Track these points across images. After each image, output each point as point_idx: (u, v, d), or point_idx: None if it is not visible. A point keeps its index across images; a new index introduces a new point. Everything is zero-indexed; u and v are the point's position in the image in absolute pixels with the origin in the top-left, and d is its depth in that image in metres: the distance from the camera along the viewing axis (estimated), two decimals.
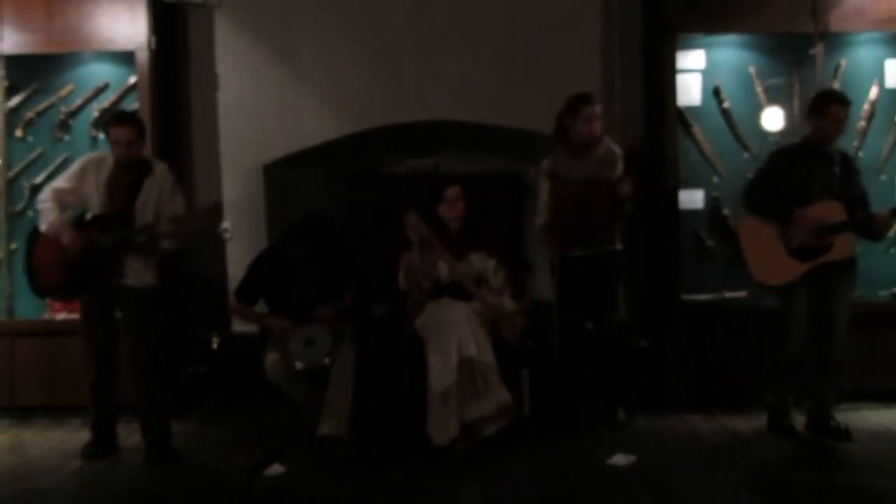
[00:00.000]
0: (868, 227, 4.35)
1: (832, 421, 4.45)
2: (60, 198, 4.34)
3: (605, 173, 4.64)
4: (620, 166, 4.69)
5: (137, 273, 4.33)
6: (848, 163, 4.45)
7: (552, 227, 4.61)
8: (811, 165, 4.37)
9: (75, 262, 4.25)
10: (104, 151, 4.50)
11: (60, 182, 4.40)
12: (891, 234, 5.24)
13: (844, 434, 4.38)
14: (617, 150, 4.72)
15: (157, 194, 4.34)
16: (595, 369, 4.71)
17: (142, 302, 4.34)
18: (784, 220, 4.34)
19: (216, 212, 4.39)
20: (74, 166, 4.44)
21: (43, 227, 4.32)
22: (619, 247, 4.70)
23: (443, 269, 4.57)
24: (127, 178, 4.32)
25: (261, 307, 4.67)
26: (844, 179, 4.39)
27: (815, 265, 4.31)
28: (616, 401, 4.75)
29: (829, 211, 4.30)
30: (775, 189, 4.39)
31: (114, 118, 4.42)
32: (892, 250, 5.30)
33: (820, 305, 4.39)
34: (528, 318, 4.81)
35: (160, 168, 4.44)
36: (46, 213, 4.32)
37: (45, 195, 4.37)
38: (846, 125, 4.47)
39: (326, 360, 4.32)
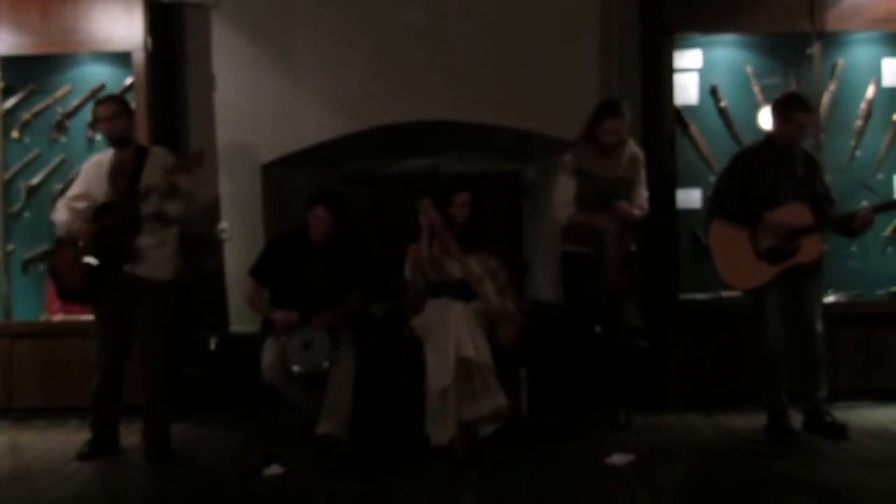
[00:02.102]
0: (848, 225, 4.35)
1: (828, 417, 4.47)
2: (72, 205, 4.42)
3: (629, 175, 4.67)
4: (643, 171, 4.73)
5: (155, 264, 4.34)
6: (811, 161, 4.47)
7: (578, 222, 4.63)
8: (776, 167, 4.40)
9: (90, 255, 4.28)
10: (102, 152, 4.55)
11: (70, 192, 4.52)
12: (886, 233, 5.27)
13: (841, 432, 4.40)
14: (640, 152, 4.75)
15: (158, 172, 4.34)
16: (600, 371, 4.72)
17: (157, 297, 4.35)
18: (752, 223, 4.36)
19: (198, 155, 4.42)
20: (79, 175, 4.56)
21: (58, 232, 4.45)
22: (633, 248, 4.71)
23: (453, 267, 4.58)
24: (127, 163, 4.38)
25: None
26: (808, 179, 4.41)
27: (786, 267, 4.33)
28: (616, 401, 4.75)
29: (795, 213, 4.32)
30: (741, 192, 4.41)
31: (98, 100, 4.56)
32: (889, 249, 5.32)
33: (793, 307, 4.42)
34: (528, 318, 4.83)
35: (157, 150, 4.52)
36: (60, 217, 4.43)
37: (58, 206, 4.51)
38: (809, 130, 4.50)
39: (324, 365, 4.32)
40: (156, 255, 4.35)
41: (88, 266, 4.29)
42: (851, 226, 4.35)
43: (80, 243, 4.28)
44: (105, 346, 4.41)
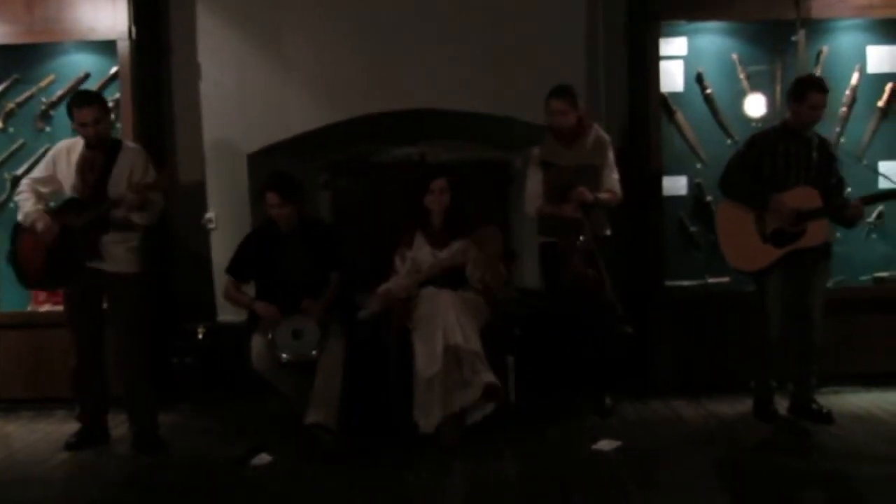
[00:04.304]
0: (842, 214, 4.39)
1: (814, 404, 4.50)
2: (36, 188, 4.37)
3: (595, 160, 4.69)
4: (610, 154, 4.74)
5: (118, 259, 4.32)
6: (826, 148, 4.49)
7: (545, 214, 4.65)
8: (789, 150, 4.41)
9: (54, 249, 4.25)
10: (74, 138, 4.50)
11: (34, 173, 4.46)
12: (871, 219, 5.31)
13: (826, 417, 4.44)
14: (605, 136, 4.78)
15: (128, 172, 4.32)
16: (583, 356, 4.74)
17: (123, 289, 4.33)
18: (760, 206, 4.37)
19: (167, 177, 4.45)
20: (47, 156, 4.49)
21: (20, 218, 4.37)
22: (608, 233, 4.74)
23: (426, 259, 4.57)
24: (98, 158, 4.32)
25: (249, 291, 4.66)
26: (821, 165, 4.42)
27: (790, 251, 4.35)
28: (602, 387, 4.77)
29: (805, 197, 4.34)
30: (753, 173, 4.42)
31: (77, 100, 4.34)
32: (873, 236, 5.35)
33: (796, 291, 4.43)
34: (515, 306, 4.84)
35: (131, 147, 4.47)
36: (23, 203, 4.36)
37: (22, 187, 4.43)
38: (825, 112, 4.50)
39: (313, 353, 4.32)
40: (118, 250, 4.32)
41: (50, 253, 4.25)
42: (844, 214, 4.36)
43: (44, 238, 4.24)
44: (77, 334, 4.40)
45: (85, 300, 4.37)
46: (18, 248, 4.36)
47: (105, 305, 4.42)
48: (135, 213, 4.30)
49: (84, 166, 4.32)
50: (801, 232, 4.34)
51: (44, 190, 4.38)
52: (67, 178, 4.34)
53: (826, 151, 4.46)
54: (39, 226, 4.24)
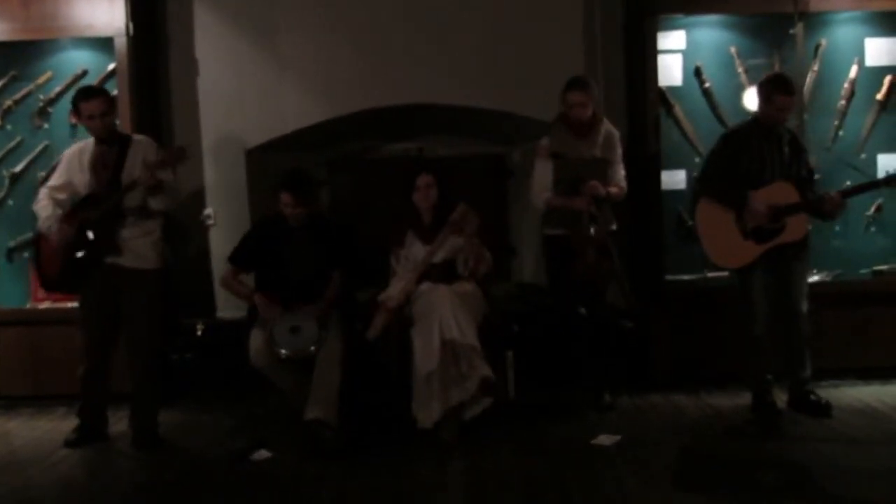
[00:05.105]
0: (820, 208, 4.39)
1: (813, 397, 4.51)
2: (54, 196, 4.40)
3: (605, 154, 4.69)
4: (619, 149, 4.74)
5: (139, 253, 4.33)
6: (796, 142, 4.51)
7: (555, 206, 4.64)
8: (762, 146, 4.43)
9: (70, 247, 4.27)
10: (83, 140, 4.51)
11: (51, 181, 4.48)
12: (870, 212, 5.31)
13: (825, 409, 4.44)
14: (615, 131, 4.78)
15: (140, 164, 4.31)
16: (585, 352, 4.74)
17: (142, 286, 4.33)
18: (737, 206, 4.38)
19: (181, 151, 4.39)
20: (60, 163, 4.50)
21: (40, 223, 4.41)
22: (614, 227, 4.74)
23: (419, 257, 4.57)
24: (109, 154, 4.33)
25: (248, 281, 4.67)
26: (792, 159, 4.45)
27: (771, 247, 4.36)
28: (602, 382, 4.77)
29: (782, 192, 4.36)
30: (730, 170, 4.42)
31: (84, 93, 4.37)
32: (872, 229, 5.35)
33: (779, 286, 4.46)
34: (514, 301, 4.84)
35: (141, 139, 4.47)
36: (41, 212, 4.40)
37: (40, 196, 4.46)
38: (792, 112, 4.53)
39: (311, 349, 4.32)
40: (139, 245, 4.33)
41: (69, 257, 4.27)
42: (822, 208, 4.38)
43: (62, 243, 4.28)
44: (90, 334, 4.39)
45: (100, 302, 4.36)
46: (41, 255, 4.42)
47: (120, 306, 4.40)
48: (151, 198, 4.30)
49: (97, 163, 4.34)
50: (780, 227, 4.36)
51: (61, 196, 4.39)
52: (82, 179, 4.35)
53: (796, 145, 4.49)
54: (53, 230, 4.28)
